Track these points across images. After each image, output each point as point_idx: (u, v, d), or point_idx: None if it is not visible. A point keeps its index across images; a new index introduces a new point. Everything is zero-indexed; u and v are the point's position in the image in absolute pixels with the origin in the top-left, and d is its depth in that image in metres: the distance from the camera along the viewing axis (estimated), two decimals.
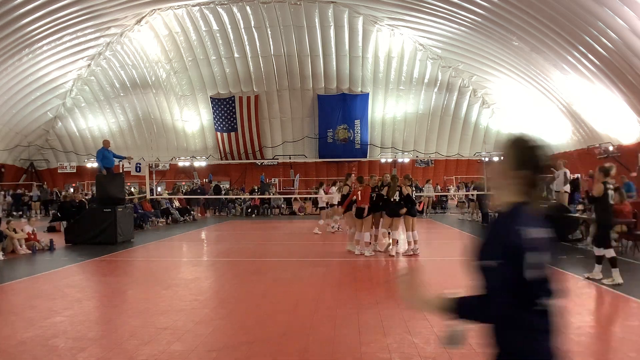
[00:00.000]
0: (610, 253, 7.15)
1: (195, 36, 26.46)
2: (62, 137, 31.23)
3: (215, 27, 25.81)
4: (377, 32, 26.00)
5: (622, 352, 4.32)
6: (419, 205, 23.04)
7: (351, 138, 29.53)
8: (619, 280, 6.94)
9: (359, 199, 10.31)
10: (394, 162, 28.87)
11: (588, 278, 7.37)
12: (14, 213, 23.34)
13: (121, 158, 15.01)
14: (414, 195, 10.68)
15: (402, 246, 10.43)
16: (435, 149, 29.94)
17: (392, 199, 9.94)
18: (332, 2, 24.41)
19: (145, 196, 18.02)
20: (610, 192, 7.26)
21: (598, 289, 6.85)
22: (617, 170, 18.66)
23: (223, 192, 26.61)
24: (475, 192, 18.38)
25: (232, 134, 29.57)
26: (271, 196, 23.99)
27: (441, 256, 10.70)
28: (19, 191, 27.23)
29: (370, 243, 10.41)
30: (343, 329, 5.10)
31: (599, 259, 7.32)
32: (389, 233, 10.52)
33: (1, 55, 20.12)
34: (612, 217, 7.62)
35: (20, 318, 5.64)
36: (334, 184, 15.46)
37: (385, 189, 10.15)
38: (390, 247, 10.38)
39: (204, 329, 5.18)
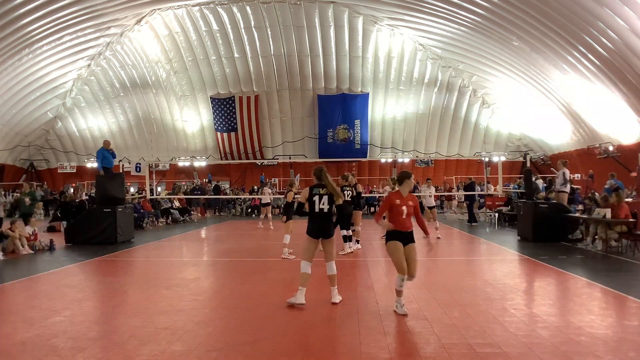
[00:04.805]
0: (344, 233, 10.10)
1: (195, 36, 26.45)
2: (62, 137, 31.22)
3: (215, 27, 25.81)
4: (377, 32, 25.99)
5: (622, 352, 4.32)
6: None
7: (351, 138, 29.53)
8: (348, 251, 10.18)
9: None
10: (394, 162, 28.86)
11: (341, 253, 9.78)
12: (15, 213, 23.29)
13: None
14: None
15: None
16: (435, 149, 29.93)
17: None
18: (332, 2, 24.40)
19: (145, 196, 18.01)
20: (347, 192, 10.17)
21: (598, 289, 6.86)
22: (617, 170, 18.52)
23: (222, 191, 26.58)
24: (464, 193, 18.30)
25: (232, 134, 29.57)
26: (271, 196, 23.94)
27: (440, 256, 10.69)
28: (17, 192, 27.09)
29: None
30: (343, 329, 5.10)
31: (345, 238, 10.12)
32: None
33: (1, 55, 20.11)
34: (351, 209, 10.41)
35: (20, 318, 5.64)
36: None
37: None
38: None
39: (204, 329, 5.18)
